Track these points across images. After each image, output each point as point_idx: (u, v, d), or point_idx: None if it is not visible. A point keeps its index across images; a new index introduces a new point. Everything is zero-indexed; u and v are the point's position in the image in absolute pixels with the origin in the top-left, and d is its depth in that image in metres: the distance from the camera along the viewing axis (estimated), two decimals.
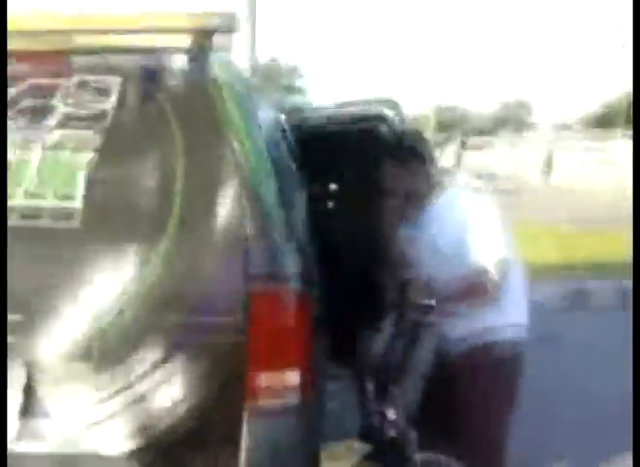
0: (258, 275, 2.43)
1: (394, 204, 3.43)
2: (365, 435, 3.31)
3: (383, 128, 3.99)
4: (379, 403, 3.20)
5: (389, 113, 4.14)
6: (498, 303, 3.22)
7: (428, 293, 3.13)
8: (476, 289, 3.20)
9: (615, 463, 4.47)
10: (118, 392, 2.42)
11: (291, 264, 2.50)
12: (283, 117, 4.73)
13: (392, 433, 3.13)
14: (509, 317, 3.30)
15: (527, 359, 3.40)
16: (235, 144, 2.49)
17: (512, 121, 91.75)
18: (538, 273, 9.20)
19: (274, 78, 53.66)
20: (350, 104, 4.65)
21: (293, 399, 2.49)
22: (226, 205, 2.46)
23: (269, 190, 2.52)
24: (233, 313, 2.43)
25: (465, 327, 3.29)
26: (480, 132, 76.43)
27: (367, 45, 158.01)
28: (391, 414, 3.12)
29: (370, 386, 3.22)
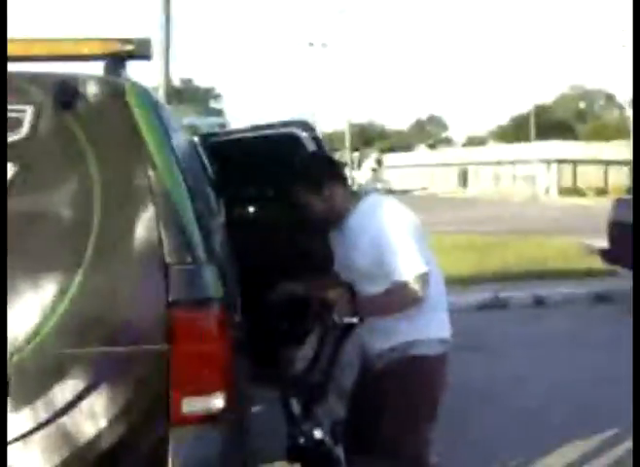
0: (178, 300, 2.40)
1: (311, 222, 3.46)
2: (293, 456, 3.29)
3: (295, 149, 4.01)
4: (305, 422, 3.19)
5: (302, 134, 4.17)
6: (420, 316, 3.23)
7: (351, 309, 3.15)
8: (397, 302, 3.21)
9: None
10: (39, 427, 2.35)
11: (211, 287, 2.47)
12: (197, 139, 4.74)
13: (319, 451, 3.13)
14: (431, 331, 3.31)
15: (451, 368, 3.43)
16: (151, 166, 2.46)
17: (427, 136, 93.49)
18: (456, 283, 9.47)
19: (190, 99, 53.37)
20: (264, 127, 4.66)
21: (217, 422, 2.45)
22: (143, 230, 2.42)
23: (187, 212, 2.48)
24: (155, 340, 2.38)
25: (388, 341, 3.30)
26: (396, 148, 77.73)
27: (283, 63, 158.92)
28: (317, 433, 3.12)
29: (295, 406, 3.22)
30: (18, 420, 2.35)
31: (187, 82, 63.44)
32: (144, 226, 2.42)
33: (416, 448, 3.33)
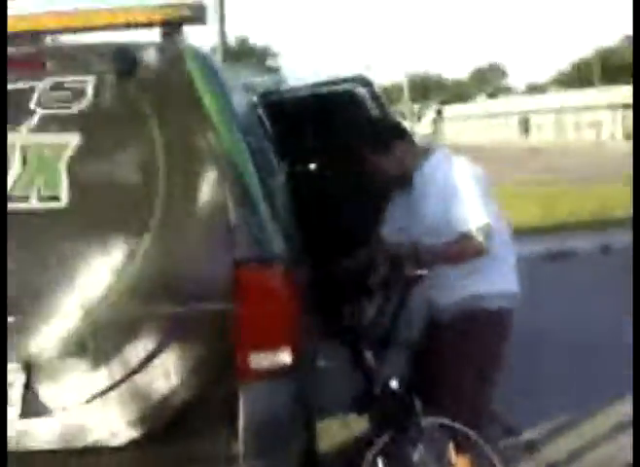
0: (244, 259, 2.46)
1: (377, 182, 3.48)
2: (365, 406, 3.33)
3: (354, 106, 4.00)
4: (380, 373, 3.22)
5: (360, 90, 4.16)
6: (486, 269, 3.26)
7: (417, 261, 3.17)
8: (460, 252, 3.22)
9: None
10: (115, 385, 2.45)
11: (276, 245, 2.53)
12: (257, 99, 4.75)
13: (396, 401, 3.16)
14: (496, 285, 3.33)
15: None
16: (212, 129, 2.51)
17: (486, 86, 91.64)
18: (521, 233, 9.37)
19: (246, 58, 53.29)
20: (323, 84, 4.65)
21: (286, 376, 2.53)
22: (207, 191, 2.48)
23: (249, 172, 2.54)
24: (223, 299, 2.45)
25: (454, 295, 3.33)
26: (456, 99, 76.48)
27: (336, 16, 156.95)
28: (393, 384, 3.15)
29: (369, 356, 3.24)
30: (95, 379, 2.45)
31: (242, 41, 63.33)
32: (208, 187, 2.48)
33: (479, 400, 3.37)
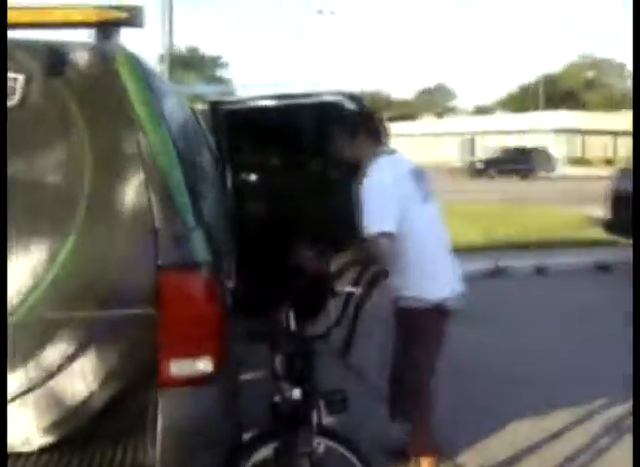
0: (166, 264, 2.43)
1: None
2: (270, 414, 3.32)
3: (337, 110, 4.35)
4: (287, 381, 3.20)
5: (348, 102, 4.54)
6: (407, 272, 3.60)
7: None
8: (367, 255, 3.47)
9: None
10: (30, 389, 2.41)
11: (200, 251, 2.50)
12: (207, 106, 4.86)
13: (290, 412, 3.13)
14: (415, 288, 3.63)
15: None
16: (140, 132, 2.48)
17: (434, 106, 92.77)
18: (460, 252, 9.48)
19: (196, 68, 53.08)
20: (301, 96, 5.04)
21: (207, 384, 2.51)
22: (132, 195, 2.45)
23: (176, 177, 2.51)
24: (144, 304, 2.43)
25: (390, 294, 3.70)
26: (403, 118, 77.22)
27: (291, 31, 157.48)
28: (295, 393, 3.13)
29: (278, 363, 3.22)
30: (14, 381, 2.40)
31: (193, 50, 63.04)
32: (134, 191, 2.45)
33: (415, 387, 3.77)
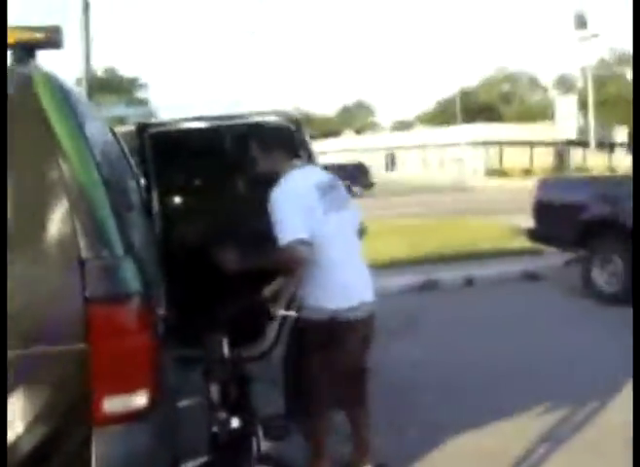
0: (95, 296, 2.31)
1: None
2: (210, 445, 3.25)
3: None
4: (223, 410, 3.14)
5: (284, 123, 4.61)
6: (308, 283, 3.64)
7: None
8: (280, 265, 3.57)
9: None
10: None
11: (129, 281, 2.39)
12: (134, 128, 4.81)
13: (231, 441, 3.08)
14: (312, 299, 3.67)
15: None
16: (63, 158, 2.36)
17: (354, 122, 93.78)
18: (387, 266, 9.54)
19: (114, 89, 52.43)
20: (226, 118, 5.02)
21: (143, 419, 2.39)
22: (57, 224, 2.33)
23: (102, 205, 2.38)
24: (73, 339, 2.30)
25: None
26: (323, 134, 77.81)
27: (210, 51, 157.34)
28: (234, 422, 3.07)
29: (214, 391, 3.15)
30: None
31: (110, 71, 62.25)
32: (58, 220, 2.32)
33: (311, 401, 3.74)
